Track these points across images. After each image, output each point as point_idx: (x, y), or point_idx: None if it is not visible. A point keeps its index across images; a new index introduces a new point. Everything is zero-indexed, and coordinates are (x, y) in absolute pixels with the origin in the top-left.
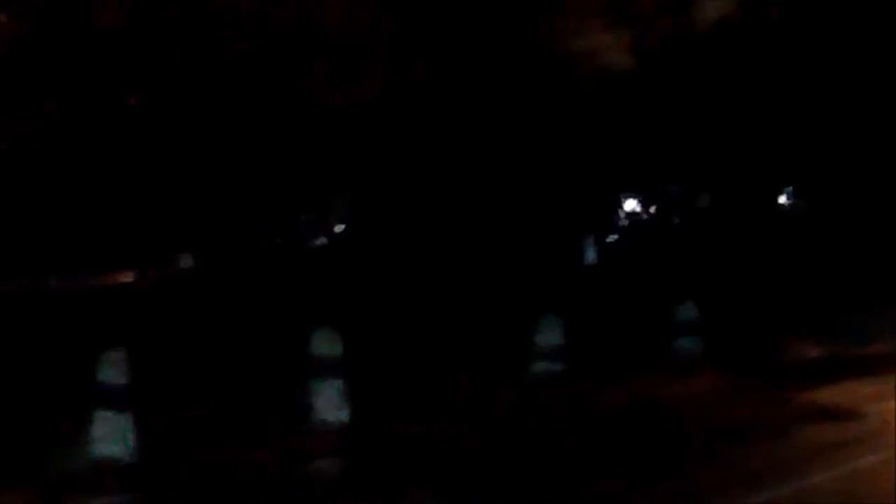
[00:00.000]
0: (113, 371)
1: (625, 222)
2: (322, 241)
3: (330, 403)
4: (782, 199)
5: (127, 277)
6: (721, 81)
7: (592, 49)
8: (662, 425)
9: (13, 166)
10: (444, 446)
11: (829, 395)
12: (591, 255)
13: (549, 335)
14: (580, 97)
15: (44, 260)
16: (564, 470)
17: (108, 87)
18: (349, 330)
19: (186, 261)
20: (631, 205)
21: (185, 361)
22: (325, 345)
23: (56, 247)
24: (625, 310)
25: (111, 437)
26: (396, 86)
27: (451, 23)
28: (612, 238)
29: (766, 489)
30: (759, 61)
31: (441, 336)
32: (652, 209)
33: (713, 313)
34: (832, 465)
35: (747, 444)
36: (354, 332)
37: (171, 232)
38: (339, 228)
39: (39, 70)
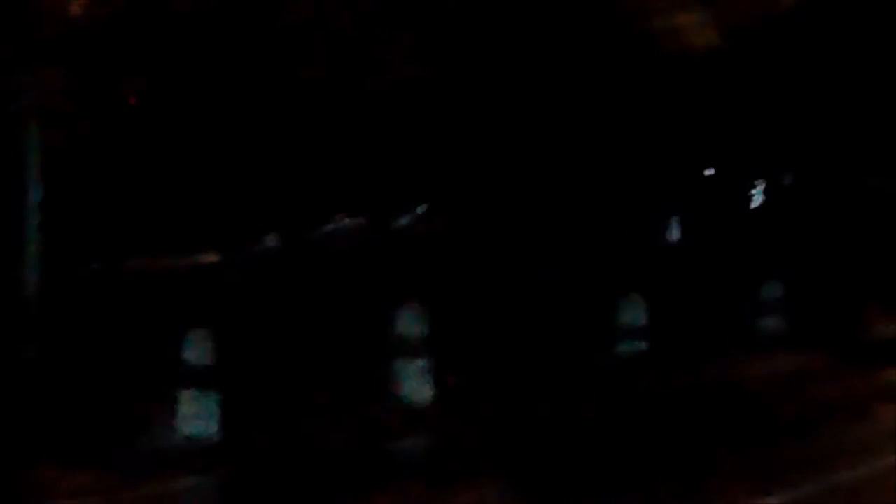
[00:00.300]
0: (198, 350)
1: (709, 201)
2: (405, 220)
3: (413, 383)
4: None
5: (212, 258)
6: (806, 59)
7: (676, 27)
8: (747, 404)
9: (97, 145)
10: (528, 426)
11: None
12: (674, 234)
13: (633, 315)
14: (664, 75)
15: (129, 240)
16: (649, 448)
17: (190, 66)
18: (434, 309)
19: (272, 241)
20: (712, 184)
21: (270, 341)
22: (410, 324)
23: (141, 227)
24: (709, 289)
25: (196, 416)
26: (477, 61)
27: None
28: (693, 217)
29: (850, 468)
30: (844, 38)
31: (524, 315)
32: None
33: (798, 292)
34: None
35: (832, 422)
36: (439, 312)
37: (256, 212)
38: (421, 209)
39: (122, 50)
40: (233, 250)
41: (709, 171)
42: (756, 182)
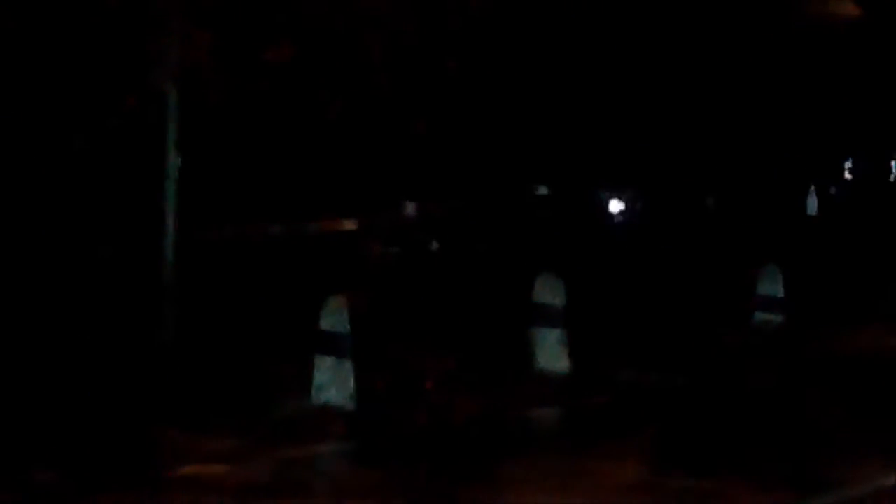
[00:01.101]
0: (335, 318)
1: (847, 173)
2: (542, 190)
3: (551, 352)
4: None
5: (350, 224)
6: None
7: None
8: (884, 375)
9: (238, 110)
10: (666, 395)
11: None
12: (813, 206)
13: (771, 286)
14: (805, 48)
15: (267, 206)
16: (784, 417)
17: (332, 31)
18: (572, 279)
19: (410, 209)
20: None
21: (407, 308)
22: (548, 293)
23: (279, 193)
24: (846, 260)
25: (332, 383)
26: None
27: None
28: (833, 189)
29: None
30: None
31: (663, 285)
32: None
33: None
34: None
35: None
36: (577, 281)
37: (394, 180)
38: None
39: (264, 14)
40: (371, 217)
41: (846, 143)
42: (893, 154)
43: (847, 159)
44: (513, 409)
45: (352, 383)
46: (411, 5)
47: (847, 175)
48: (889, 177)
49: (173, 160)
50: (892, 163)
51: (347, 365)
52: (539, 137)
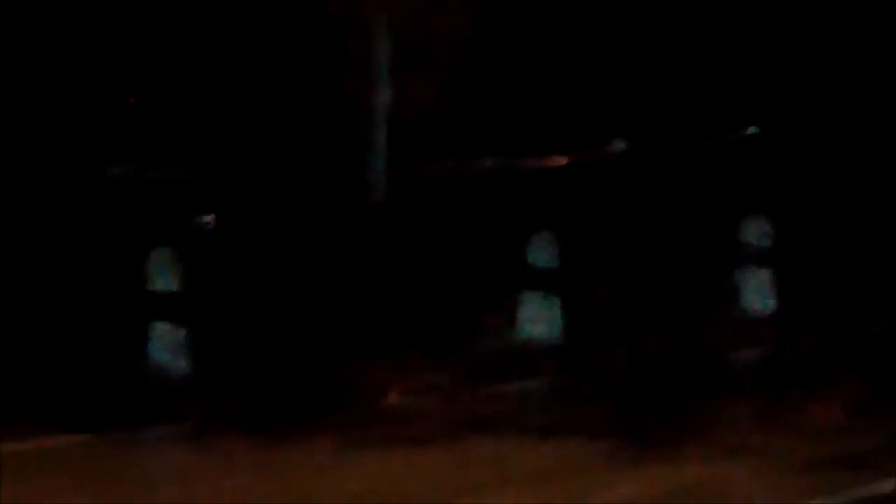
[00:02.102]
0: (544, 255)
1: None
2: (752, 130)
3: (757, 293)
4: None
5: (561, 160)
6: None
7: None
8: None
9: (439, 47)
10: (873, 339)
11: None
12: None
13: None
14: None
15: (477, 141)
16: None
17: None
18: (779, 220)
19: (618, 145)
20: None
21: (615, 246)
22: (753, 234)
23: (488, 129)
24: None
25: (539, 319)
26: None
27: None
28: None
29: None
30: None
31: (868, 226)
32: None
33: None
34: None
35: None
36: (784, 223)
37: (605, 118)
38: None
39: None
40: (583, 153)
41: None
42: None
43: None
44: (717, 349)
45: (559, 319)
46: None
47: None
48: None
49: (382, 94)
50: None
51: (555, 301)
52: (753, 74)
